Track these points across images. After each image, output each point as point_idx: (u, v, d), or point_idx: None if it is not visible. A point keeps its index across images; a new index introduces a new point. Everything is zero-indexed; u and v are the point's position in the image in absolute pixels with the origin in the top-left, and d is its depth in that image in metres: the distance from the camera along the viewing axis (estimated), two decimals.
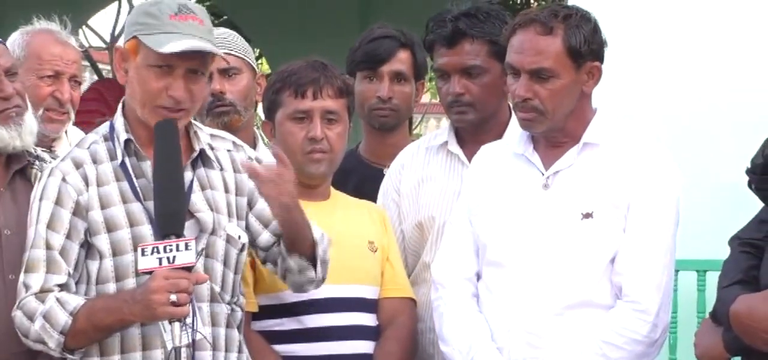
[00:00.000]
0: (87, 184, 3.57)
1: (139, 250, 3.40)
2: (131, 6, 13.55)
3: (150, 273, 3.38)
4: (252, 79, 4.53)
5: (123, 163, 3.58)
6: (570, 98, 3.75)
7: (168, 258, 3.37)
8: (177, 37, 3.49)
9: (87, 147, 3.64)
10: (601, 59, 3.79)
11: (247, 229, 3.71)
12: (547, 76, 3.71)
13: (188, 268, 3.37)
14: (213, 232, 3.60)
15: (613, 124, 3.85)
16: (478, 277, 3.87)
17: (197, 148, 3.65)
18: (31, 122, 3.79)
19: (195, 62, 3.55)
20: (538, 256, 3.74)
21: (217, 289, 3.60)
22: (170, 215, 3.44)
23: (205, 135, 3.71)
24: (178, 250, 3.37)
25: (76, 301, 3.49)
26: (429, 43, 4.32)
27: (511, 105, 4.24)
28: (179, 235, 3.41)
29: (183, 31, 3.51)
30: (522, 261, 3.76)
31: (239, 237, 3.65)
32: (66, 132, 4.41)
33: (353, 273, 3.95)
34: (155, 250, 3.37)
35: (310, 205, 3.82)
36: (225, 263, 3.63)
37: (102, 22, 14.76)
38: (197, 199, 3.60)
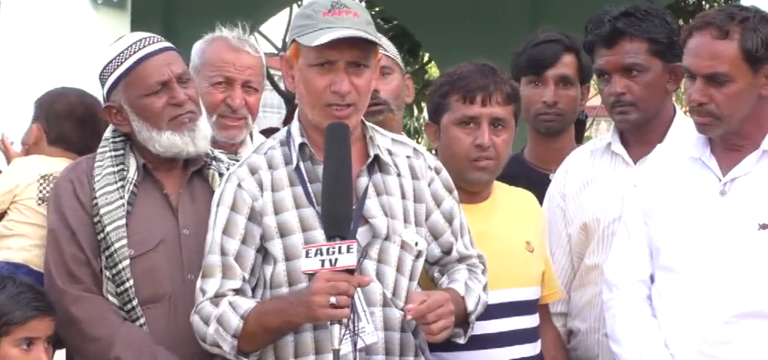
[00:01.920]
0: (262, 189, 3.60)
1: (304, 252, 3.41)
2: None
3: (313, 274, 3.40)
4: (402, 81, 4.53)
5: (297, 168, 3.60)
6: (746, 102, 3.68)
7: (330, 260, 3.37)
8: (330, 30, 3.51)
9: (264, 152, 3.67)
10: None
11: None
12: (723, 81, 3.65)
13: (350, 271, 3.38)
14: (387, 238, 3.60)
15: None
16: (652, 279, 3.83)
17: (372, 153, 3.65)
18: (204, 127, 3.85)
19: (355, 54, 3.55)
20: (711, 263, 3.68)
21: (389, 294, 3.60)
22: (336, 217, 3.42)
23: (385, 140, 3.71)
24: (340, 252, 3.36)
25: (247, 304, 3.53)
26: (589, 45, 4.30)
27: (675, 105, 4.19)
28: (344, 237, 3.39)
29: (336, 24, 3.52)
30: (695, 267, 3.70)
31: (416, 243, 3.64)
32: (251, 136, 4.40)
33: (513, 277, 3.91)
34: (318, 252, 3.38)
35: (469, 208, 3.82)
36: (398, 269, 3.62)
37: (274, 28, 14.93)
38: (372, 205, 3.60)
